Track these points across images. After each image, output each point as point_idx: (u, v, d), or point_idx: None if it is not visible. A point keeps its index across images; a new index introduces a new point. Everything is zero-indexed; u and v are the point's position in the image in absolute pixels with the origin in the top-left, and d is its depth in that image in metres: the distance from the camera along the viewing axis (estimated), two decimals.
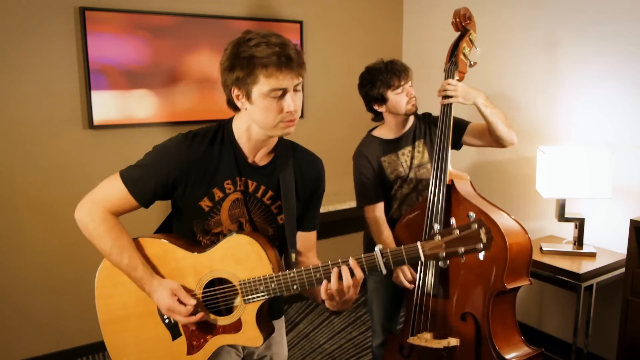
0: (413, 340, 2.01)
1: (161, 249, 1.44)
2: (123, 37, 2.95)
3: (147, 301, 1.44)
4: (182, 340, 1.45)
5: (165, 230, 1.57)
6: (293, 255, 1.49)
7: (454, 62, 2.09)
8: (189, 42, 3.16)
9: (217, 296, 1.44)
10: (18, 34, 2.73)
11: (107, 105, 2.97)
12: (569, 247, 2.72)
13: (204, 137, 1.41)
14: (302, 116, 3.58)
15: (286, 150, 1.49)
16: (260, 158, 1.46)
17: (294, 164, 1.49)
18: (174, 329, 1.46)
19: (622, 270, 2.55)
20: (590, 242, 2.82)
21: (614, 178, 2.58)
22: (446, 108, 2.06)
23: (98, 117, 2.95)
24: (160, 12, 3.05)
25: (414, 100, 2.16)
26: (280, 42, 1.29)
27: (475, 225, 1.26)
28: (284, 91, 1.31)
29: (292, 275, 1.36)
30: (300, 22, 3.54)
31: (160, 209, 1.61)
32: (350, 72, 3.86)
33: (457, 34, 2.17)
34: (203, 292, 1.43)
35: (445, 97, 2.05)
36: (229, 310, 1.44)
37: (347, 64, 3.81)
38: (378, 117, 2.27)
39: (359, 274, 1.30)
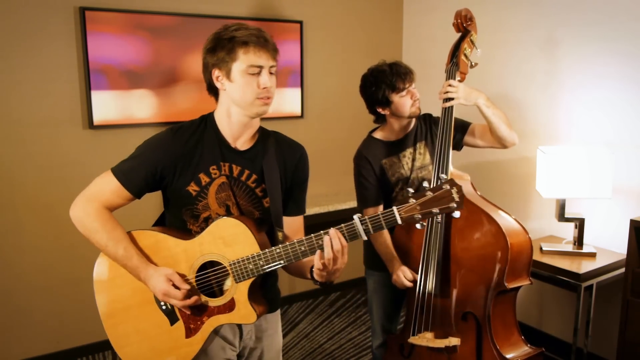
0: (414, 340, 2.01)
1: (153, 239, 1.51)
2: (123, 37, 2.95)
3: (144, 291, 1.50)
4: (180, 324, 1.51)
5: (159, 225, 1.64)
6: (280, 234, 1.55)
7: (455, 62, 2.09)
8: (189, 42, 3.16)
9: (209, 279, 1.50)
10: (18, 34, 2.73)
11: (107, 105, 2.97)
12: (569, 247, 2.72)
13: (188, 128, 1.51)
14: (302, 116, 3.65)
15: (268, 137, 1.58)
16: (243, 143, 1.54)
17: (277, 150, 1.57)
18: (171, 314, 1.51)
19: (622, 270, 2.55)
20: (590, 242, 2.83)
21: (614, 178, 2.58)
22: (447, 108, 2.06)
23: (98, 117, 2.95)
24: (160, 12, 3.05)
25: (418, 103, 2.14)
26: (256, 28, 1.44)
27: (447, 186, 1.32)
28: (261, 68, 1.42)
29: (278, 250, 1.42)
30: (300, 22, 3.55)
31: (155, 208, 1.66)
32: (350, 72, 3.87)
33: (458, 34, 2.17)
34: (196, 276, 1.49)
35: (447, 99, 2.04)
36: (222, 292, 1.50)
37: (347, 64, 3.81)
38: (380, 120, 2.24)
39: (343, 242, 1.38)
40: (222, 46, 1.41)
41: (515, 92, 3.21)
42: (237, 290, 1.46)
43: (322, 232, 1.40)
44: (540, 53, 3.03)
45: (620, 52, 2.66)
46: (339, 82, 3.79)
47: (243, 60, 1.41)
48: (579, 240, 2.70)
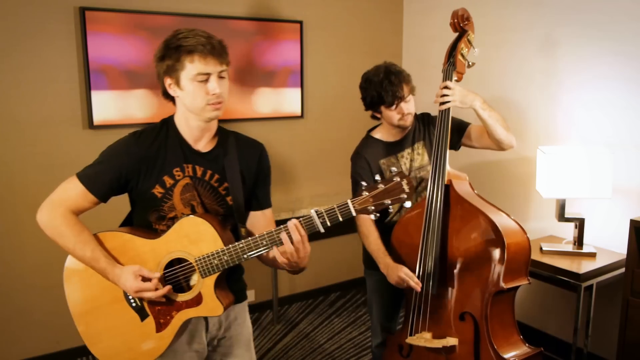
0: (412, 340, 2.00)
1: (119, 240, 1.55)
2: (123, 37, 2.96)
3: (113, 289, 1.55)
4: (150, 320, 1.57)
5: (127, 225, 1.68)
6: (243, 230, 1.62)
7: (452, 62, 2.08)
8: None
9: (177, 275, 1.56)
10: (18, 34, 2.74)
11: (107, 105, 2.97)
12: (569, 247, 2.72)
13: (150, 133, 1.56)
14: (302, 116, 3.65)
15: (228, 137, 1.63)
16: (204, 145, 1.59)
17: (237, 149, 1.62)
18: (141, 310, 1.57)
19: (622, 270, 2.55)
20: (590, 242, 2.82)
21: (614, 178, 2.58)
22: (444, 110, 2.06)
23: (98, 117, 2.95)
24: (160, 12, 3.05)
25: (408, 117, 2.12)
26: (205, 34, 1.47)
27: (398, 178, 1.41)
28: (208, 75, 1.46)
29: (241, 245, 1.48)
30: (300, 22, 3.55)
31: (122, 209, 1.69)
32: (350, 72, 3.87)
33: (455, 34, 2.16)
34: (164, 273, 1.55)
35: (443, 102, 2.03)
36: (190, 287, 1.56)
37: (347, 64, 3.81)
38: (377, 117, 2.26)
39: (303, 233, 1.44)
40: (170, 55, 1.45)
41: (515, 92, 3.20)
42: (204, 284, 1.53)
43: (282, 226, 1.45)
44: (540, 53, 3.03)
45: (620, 52, 2.65)
46: (339, 82, 3.79)
47: (190, 68, 1.44)
48: (579, 240, 2.69)
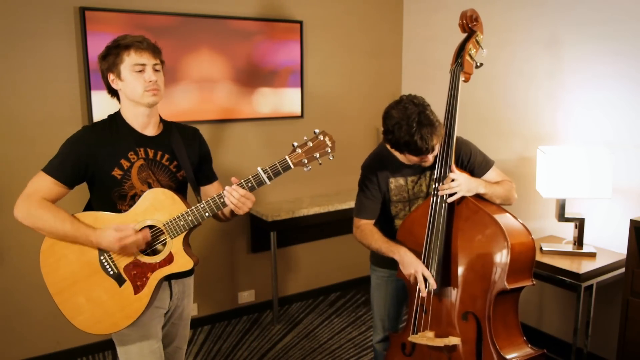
0: (414, 338, 2.00)
1: (92, 217, 1.74)
2: None
3: (91, 262, 1.74)
4: (127, 284, 1.75)
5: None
6: (198, 198, 1.94)
7: (459, 63, 2.07)
8: (189, 42, 3.16)
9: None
10: (18, 33, 2.73)
11: (107, 105, 2.92)
12: (569, 247, 2.72)
13: (101, 124, 1.80)
14: (302, 116, 3.65)
15: (170, 124, 1.91)
16: (152, 130, 1.83)
17: (180, 133, 1.89)
18: (118, 277, 1.75)
19: (622, 270, 2.56)
20: (590, 242, 2.83)
21: (614, 178, 2.59)
22: (451, 108, 2.03)
23: (98, 117, 2.94)
24: (160, 12, 3.05)
25: (428, 163, 2.03)
26: (142, 36, 1.76)
27: (322, 136, 1.76)
28: (144, 66, 1.72)
29: (202, 206, 1.74)
30: (300, 22, 3.55)
31: (80, 201, 1.87)
32: (350, 72, 3.89)
33: (463, 35, 2.15)
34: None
35: (451, 194, 1.97)
36: (159, 251, 1.77)
37: (347, 64, 3.81)
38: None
39: (239, 192, 1.72)
40: (111, 53, 1.73)
41: (515, 92, 3.21)
42: (173, 245, 1.76)
43: (235, 184, 1.73)
44: (540, 53, 3.03)
45: (620, 52, 2.66)
46: (339, 82, 3.79)
47: (128, 61, 1.71)
48: (579, 240, 2.70)
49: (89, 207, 1.86)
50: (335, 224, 3.81)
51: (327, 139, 1.76)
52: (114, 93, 1.83)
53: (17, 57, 2.74)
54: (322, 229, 3.82)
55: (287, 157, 1.73)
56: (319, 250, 3.93)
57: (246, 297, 3.68)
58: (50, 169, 1.72)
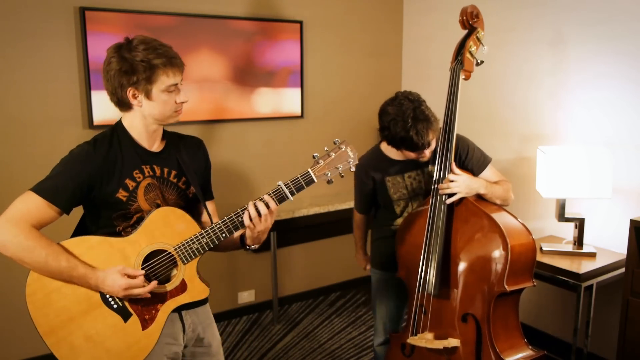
0: (413, 340, 2.00)
1: (86, 245, 1.51)
2: (123, 37, 2.94)
3: (88, 296, 1.51)
4: (134, 319, 1.53)
5: (80, 234, 1.62)
6: (209, 216, 1.73)
7: (459, 60, 2.05)
8: (189, 42, 3.16)
9: (156, 267, 1.57)
10: (18, 33, 2.73)
11: (107, 105, 2.89)
12: (569, 247, 2.72)
13: (103, 140, 1.58)
14: (302, 116, 3.65)
15: (170, 135, 1.73)
16: (157, 146, 1.65)
17: (183, 145, 1.72)
18: (123, 311, 1.53)
19: (622, 270, 2.55)
20: (590, 242, 2.83)
21: (614, 178, 2.58)
22: (451, 107, 2.03)
23: (98, 117, 2.95)
24: (160, 12, 3.04)
25: (427, 155, 2.05)
26: (167, 46, 1.57)
27: (342, 146, 1.64)
28: (176, 86, 1.57)
29: (218, 225, 1.57)
30: (300, 22, 3.54)
31: (70, 220, 1.63)
32: (350, 72, 3.88)
33: (464, 32, 2.13)
34: (142, 268, 1.54)
35: (450, 195, 1.97)
36: (168, 278, 1.58)
37: (347, 64, 3.81)
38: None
39: (273, 205, 1.58)
40: (140, 70, 1.50)
41: (515, 92, 3.20)
42: (186, 271, 1.57)
43: (253, 201, 1.58)
44: (541, 53, 3.03)
45: (620, 52, 2.66)
46: (339, 82, 3.79)
47: (162, 82, 1.52)
48: (579, 240, 2.70)
49: (81, 226, 1.64)
50: (335, 224, 3.81)
51: (349, 149, 1.64)
52: (123, 105, 1.59)
53: (17, 57, 2.74)
54: (322, 229, 3.82)
55: (309, 170, 1.60)
56: (319, 250, 3.93)
57: (246, 297, 3.68)
58: (44, 191, 1.47)
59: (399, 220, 2.20)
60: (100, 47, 2.89)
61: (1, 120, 2.76)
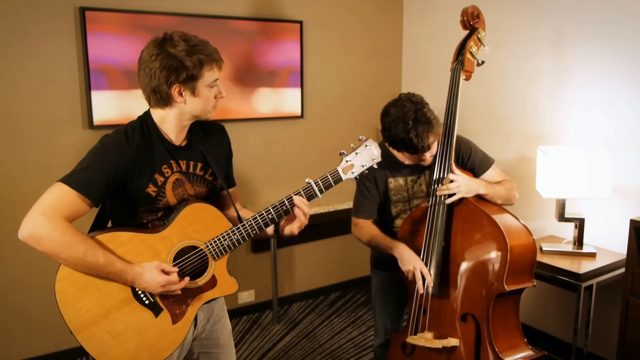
0: (413, 339, 2.00)
1: (117, 240, 1.49)
2: (123, 37, 2.95)
3: (121, 292, 1.51)
4: (165, 314, 1.55)
5: (99, 227, 1.62)
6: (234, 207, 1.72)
7: (460, 61, 2.05)
8: None
9: (187, 263, 1.58)
10: (18, 33, 2.73)
11: (107, 105, 2.97)
12: (569, 247, 2.72)
13: (134, 132, 1.53)
14: (302, 116, 3.65)
15: (196, 127, 1.67)
16: (182, 140, 1.62)
17: (206, 136, 1.69)
18: (154, 306, 1.54)
19: (622, 270, 2.55)
20: (590, 242, 2.82)
21: (614, 178, 2.58)
22: (451, 107, 2.03)
23: (98, 117, 2.95)
24: (160, 12, 3.05)
25: (429, 160, 2.04)
26: (204, 40, 1.52)
27: (367, 143, 1.63)
28: (216, 81, 1.55)
29: (250, 222, 1.57)
30: (300, 22, 3.54)
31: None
32: (350, 72, 3.88)
33: (464, 32, 2.13)
34: (174, 264, 1.56)
35: (450, 195, 1.96)
36: (200, 273, 1.60)
37: (347, 64, 3.81)
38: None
39: (307, 202, 1.60)
40: (190, 67, 1.46)
41: (515, 92, 3.20)
42: (216, 267, 1.60)
43: (284, 199, 1.59)
44: (541, 53, 3.03)
45: (620, 52, 2.66)
46: (339, 82, 3.79)
47: (207, 77, 1.50)
48: (579, 240, 2.70)
49: (101, 218, 1.62)
50: (335, 224, 3.81)
51: (373, 146, 1.63)
52: (163, 101, 1.53)
53: (17, 57, 2.74)
54: (322, 229, 3.82)
55: (338, 168, 1.62)
56: (319, 250, 3.93)
57: (246, 297, 3.68)
58: (76, 183, 1.41)
59: (397, 222, 2.20)
60: (100, 47, 2.90)
61: (1, 120, 2.76)
